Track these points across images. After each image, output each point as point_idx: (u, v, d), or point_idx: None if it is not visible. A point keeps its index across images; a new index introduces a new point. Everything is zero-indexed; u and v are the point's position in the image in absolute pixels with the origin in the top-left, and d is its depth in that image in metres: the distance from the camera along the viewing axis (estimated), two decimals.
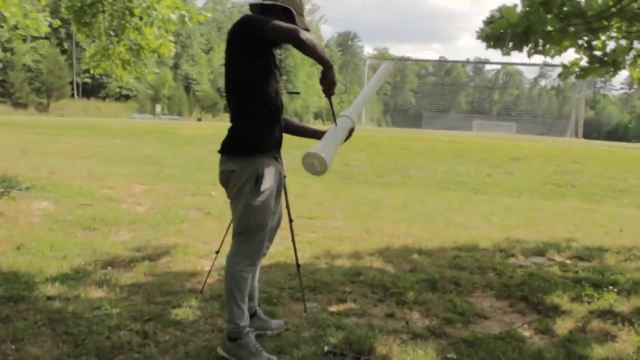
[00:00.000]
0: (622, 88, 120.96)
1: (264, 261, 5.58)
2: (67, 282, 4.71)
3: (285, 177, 4.01)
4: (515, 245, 6.97)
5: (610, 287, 5.22)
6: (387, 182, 14.87)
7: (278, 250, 5.92)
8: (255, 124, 3.37)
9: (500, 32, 5.83)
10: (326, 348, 3.56)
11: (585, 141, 35.30)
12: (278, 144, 3.54)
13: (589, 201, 13.30)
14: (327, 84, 3.22)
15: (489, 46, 6.09)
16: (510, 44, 5.87)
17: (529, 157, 18.39)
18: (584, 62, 6.85)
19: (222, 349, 3.46)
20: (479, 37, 6.16)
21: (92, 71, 9.69)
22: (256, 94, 3.36)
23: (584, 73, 6.84)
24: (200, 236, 6.58)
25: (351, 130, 3.59)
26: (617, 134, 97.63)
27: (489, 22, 6.00)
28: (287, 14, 3.45)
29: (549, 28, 5.73)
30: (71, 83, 68.16)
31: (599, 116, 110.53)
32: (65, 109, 62.92)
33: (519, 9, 5.72)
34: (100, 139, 21.14)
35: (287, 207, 4.34)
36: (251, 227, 3.39)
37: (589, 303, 4.82)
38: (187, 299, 4.38)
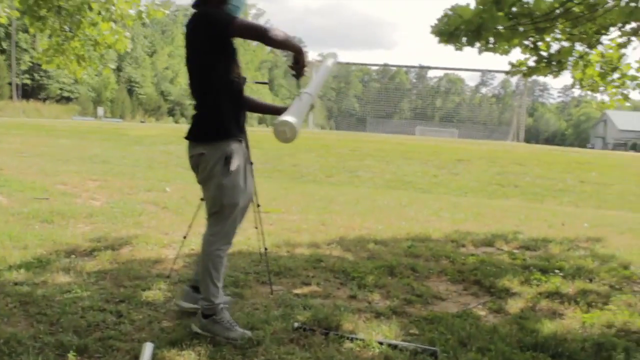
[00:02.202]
0: (559, 96, 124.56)
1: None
2: (32, 270, 4.72)
3: (252, 163, 4.17)
4: (466, 236, 7.25)
5: (557, 271, 5.53)
6: (337, 182, 15.10)
7: (239, 240, 6.03)
8: (220, 110, 3.53)
9: (453, 28, 6.10)
10: (296, 324, 3.70)
11: (527, 144, 36.31)
12: (242, 128, 3.71)
13: (531, 200, 13.80)
14: (299, 68, 3.43)
15: (442, 41, 6.34)
16: (464, 40, 6.15)
17: (474, 158, 18.89)
18: (530, 61, 7.19)
19: (197, 326, 3.57)
20: (432, 32, 6.40)
21: (43, 66, 9.55)
22: (219, 81, 3.53)
23: (530, 72, 7.18)
24: (160, 228, 6.64)
25: (312, 106, 3.77)
26: (555, 141, 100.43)
27: (443, 18, 6.25)
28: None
29: (500, 27, 6.02)
30: (10, 84, 66.28)
31: (537, 123, 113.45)
32: (4, 110, 60.95)
33: (472, 6, 5.99)
34: (45, 138, 20.73)
35: (255, 193, 4.51)
36: (224, 206, 3.54)
37: (537, 285, 5.11)
38: (156, 283, 4.48)
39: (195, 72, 3.58)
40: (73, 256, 5.25)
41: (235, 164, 3.52)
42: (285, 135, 3.36)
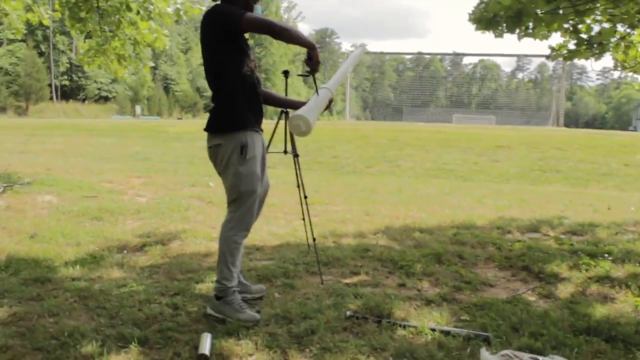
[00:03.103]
0: (598, 79, 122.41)
1: (275, 241, 5.81)
2: (87, 265, 4.86)
3: (298, 155, 4.26)
4: (510, 222, 7.22)
5: (605, 256, 5.48)
6: (377, 172, 15.10)
7: (286, 232, 6.19)
8: (235, 102, 3.66)
9: (492, 15, 6.07)
10: (348, 313, 3.76)
11: (566, 129, 35.78)
12: (258, 118, 3.82)
13: (574, 185, 13.63)
14: (313, 63, 3.54)
15: (480, 28, 6.31)
16: (503, 27, 6.11)
17: (513, 145, 18.71)
18: (571, 45, 7.11)
19: (209, 307, 3.73)
20: (470, 20, 6.38)
21: (85, 67, 9.77)
22: (232, 74, 3.64)
23: (571, 55, 7.09)
24: (207, 222, 6.75)
25: (330, 101, 3.90)
26: (595, 125, 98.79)
27: (481, 5, 6.22)
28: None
29: (539, 11, 5.97)
30: (49, 86, 67.56)
31: (576, 107, 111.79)
32: (45, 112, 62.33)
33: None
34: (86, 138, 21.15)
35: (302, 186, 4.62)
36: (242, 194, 3.68)
37: (586, 270, 5.07)
38: (208, 275, 4.57)
39: (209, 66, 3.71)
40: (125, 251, 5.38)
41: (252, 152, 3.66)
42: (300, 128, 3.56)
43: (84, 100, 70.85)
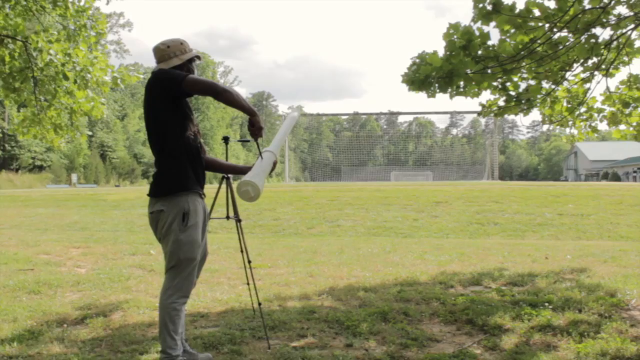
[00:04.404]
0: (528, 132, 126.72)
1: (220, 307, 5.74)
2: (25, 342, 4.70)
3: (241, 220, 4.28)
4: (453, 277, 7.33)
5: (546, 305, 5.62)
6: (319, 233, 15.13)
7: (231, 297, 6.13)
8: (177, 165, 3.69)
9: (424, 76, 6.28)
10: None
11: (501, 182, 36.70)
12: (201, 182, 3.86)
13: (512, 236, 13.94)
14: (255, 129, 3.60)
15: (413, 89, 6.51)
16: (435, 87, 6.33)
17: (451, 200, 19.06)
18: (500, 101, 7.39)
19: None
20: (403, 81, 6.57)
21: (20, 137, 9.61)
22: (176, 137, 3.69)
23: (501, 111, 7.37)
24: (149, 291, 6.62)
25: (274, 163, 3.95)
26: (528, 176, 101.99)
27: (413, 67, 6.43)
28: (190, 60, 3.89)
29: (469, 71, 6.21)
30: None
31: (509, 160, 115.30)
32: None
33: (440, 54, 6.19)
34: (21, 209, 20.54)
35: (245, 250, 4.62)
36: (182, 261, 3.68)
37: (529, 320, 5.19)
38: (154, 346, 4.47)
39: (153, 128, 3.74)
40: (65, 325, 5.23)
41: (193, 219, 3.67)
42: (249, 194, 3.59)
43: (17, 170, 69.11)
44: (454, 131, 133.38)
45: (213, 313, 5.60)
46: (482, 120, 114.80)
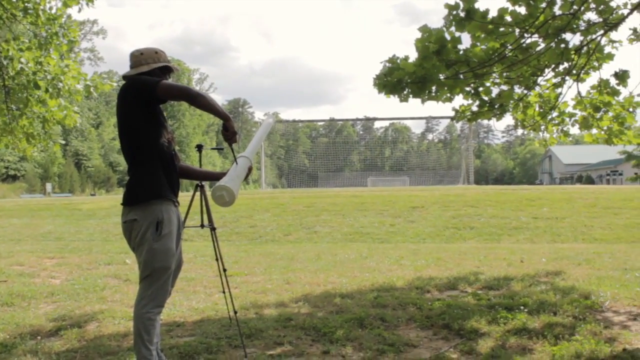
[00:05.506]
0: (503, 136, 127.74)
1: (196, 316, 5.70)
2: None
3: (215, 229, 4.26)
4: (429, 282, 7.36)
5: (521, 308, 5.67)
6: (295, 240, 15.12)
7: (207, 306, 6.08)
8: (151, 173, 3.65)
9: (396, 80, 6.30)
10: None
11: (477, 186, 36.98)
12: (175, 190, 3.81)
13: (488, 240, 14.05)
14: (229, 134, 3.58)
15: (386, 93, 6.51)
16: (408, 91, 6.35)
17: (427, 205, 19.15)
18: (473, 107, 7.45)
19: None
20: (375, 86, 6.57)
21: None
22: (149, 144, 3.66)
23: (474, 116, 7.43)
24: (124, 301, 6.55)
25: (249, 169, 3.95)
26: (504, 180, 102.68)
27: (385, 72, 6.43)
28: (164, 70, 3.87)
29: (442, 76, 6.25)
30: None
31: (485, 164, 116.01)
32: None
33: (412, 59, 6.22)
34: None
35: (220, 258, 4.59)
36: (156, 270, 3.63)
37: (504, 324, 5.23)
38: (129, 357, 4.42)
39: (126, 136, 3.71)
40: (39, 337, 5.15)
41: (167, 228, 3.63)
42: (224, 199, 3.58)
43: None
44: (430, 136, 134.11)
45: (189, 322, 5.55)
46: (458, 125, 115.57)
